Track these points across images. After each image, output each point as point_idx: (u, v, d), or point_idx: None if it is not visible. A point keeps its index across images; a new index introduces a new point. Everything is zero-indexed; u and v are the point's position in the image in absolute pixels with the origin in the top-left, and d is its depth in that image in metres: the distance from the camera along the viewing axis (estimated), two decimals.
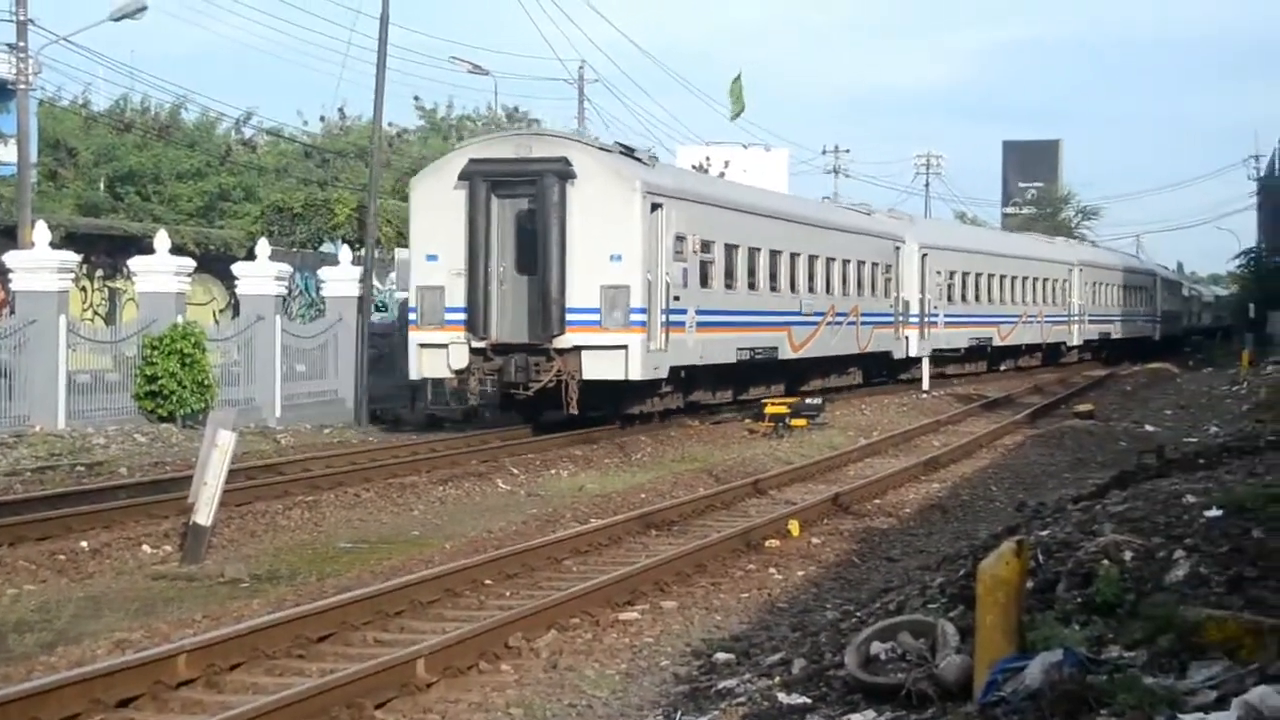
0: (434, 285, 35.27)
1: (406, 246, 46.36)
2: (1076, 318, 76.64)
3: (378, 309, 44.34)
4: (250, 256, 41.94)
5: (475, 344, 34.68)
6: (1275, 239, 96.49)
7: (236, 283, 41.18)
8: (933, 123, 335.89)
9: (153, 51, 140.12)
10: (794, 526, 22.14)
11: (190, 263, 39.01)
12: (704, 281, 38.75)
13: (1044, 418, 43.36)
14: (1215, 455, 23.02)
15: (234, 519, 22.68)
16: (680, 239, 37.03)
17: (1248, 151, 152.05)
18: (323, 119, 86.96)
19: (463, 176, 34.86)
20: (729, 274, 40.54)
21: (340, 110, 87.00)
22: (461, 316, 34.81)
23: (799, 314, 44.90)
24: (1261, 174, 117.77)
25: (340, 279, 42.90)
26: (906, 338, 55.08)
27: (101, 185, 71.60)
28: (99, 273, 49.41)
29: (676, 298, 36.43)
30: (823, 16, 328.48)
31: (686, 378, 38.36)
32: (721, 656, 14.23)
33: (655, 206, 35.53)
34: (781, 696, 11.50)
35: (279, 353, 39.49)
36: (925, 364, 54.70)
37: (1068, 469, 30.92)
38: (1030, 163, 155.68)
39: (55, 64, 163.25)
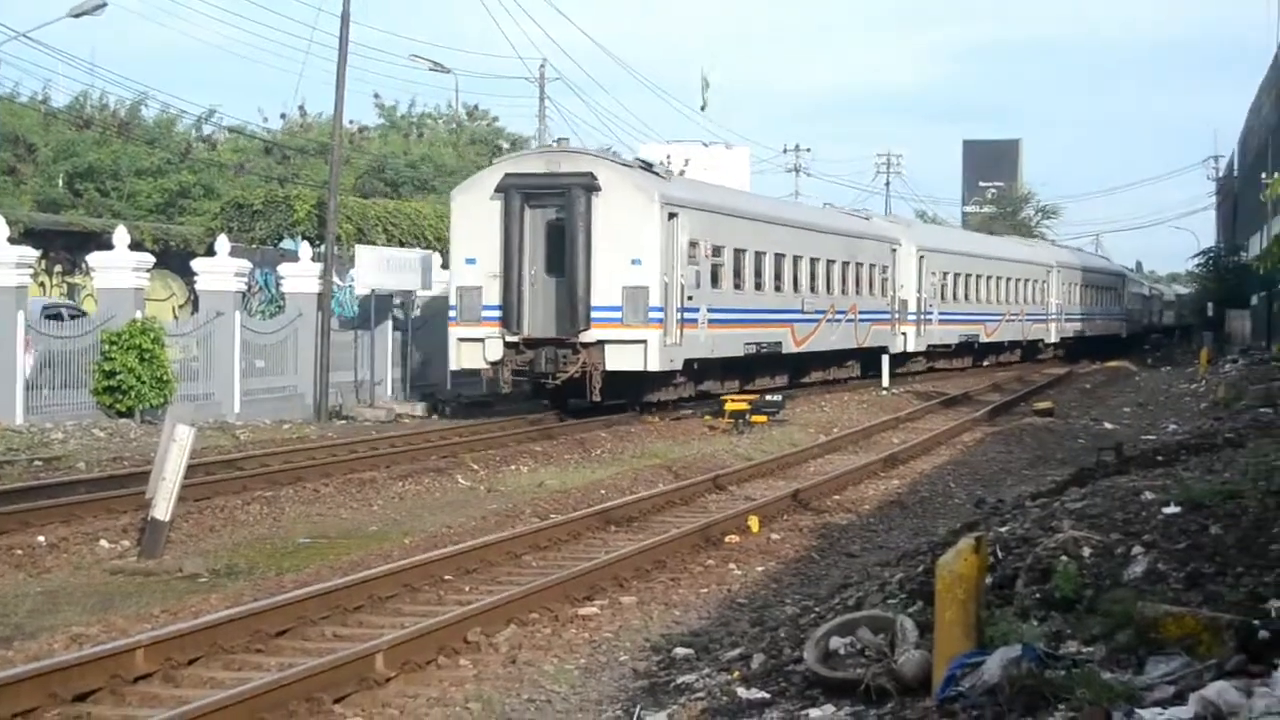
0: (472, 285, 38.56)
1: (366, 243, 46.47)
2: (1054, 316, 79.78)
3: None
4: (210, 253, 41.82)
5: (509, 338, 38.06)
6: (1233, 239, 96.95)
7: (196, 279, 41.07)
8: (893, 122, 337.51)
9: (112, 48, 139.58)
10: (753, 522, 22.14)
11: (149, 258, 38.90)
12: (715, 282, 42.23)
13: (1003, 415, 43.44)
14: (1173, 453, 23.15)
15: (192, 514, 22.60)
16: (694, 244, 40.42)
17: (1207, 152, 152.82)
18: (283, 116, 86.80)
19: (498, 189, 38.25)
20: (737, 275, 44.09)
21: (301, 108, 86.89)
22: (497, 314, 38.13)
23: (801, 312, 48.41)
24: (1220, 174, 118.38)
25: (300, 275, 42.83)
26: (904, 334, 58.82)
27: (60, 181, 71.33)
28: (58, 268, 49.25)
29: (690, 297, 39.88)
30: (784, 16, 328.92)
31: (698, 369, 41.81)
32: (680, 651, 14.23)
33: (671, 215, 39.01)
34: (741, 691, 11.51)
35: (238, 348, 39.40)
36: (885, 362, 54.87)
37: (1026, 466, 30.99)
38: (990, 162, 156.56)
39: (14, 60, 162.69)
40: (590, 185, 37.80)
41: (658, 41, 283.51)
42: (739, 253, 43.93)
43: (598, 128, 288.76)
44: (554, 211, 38.17)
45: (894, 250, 58.45)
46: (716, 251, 42.19)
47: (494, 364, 38.34)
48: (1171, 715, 8.42)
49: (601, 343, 37.66)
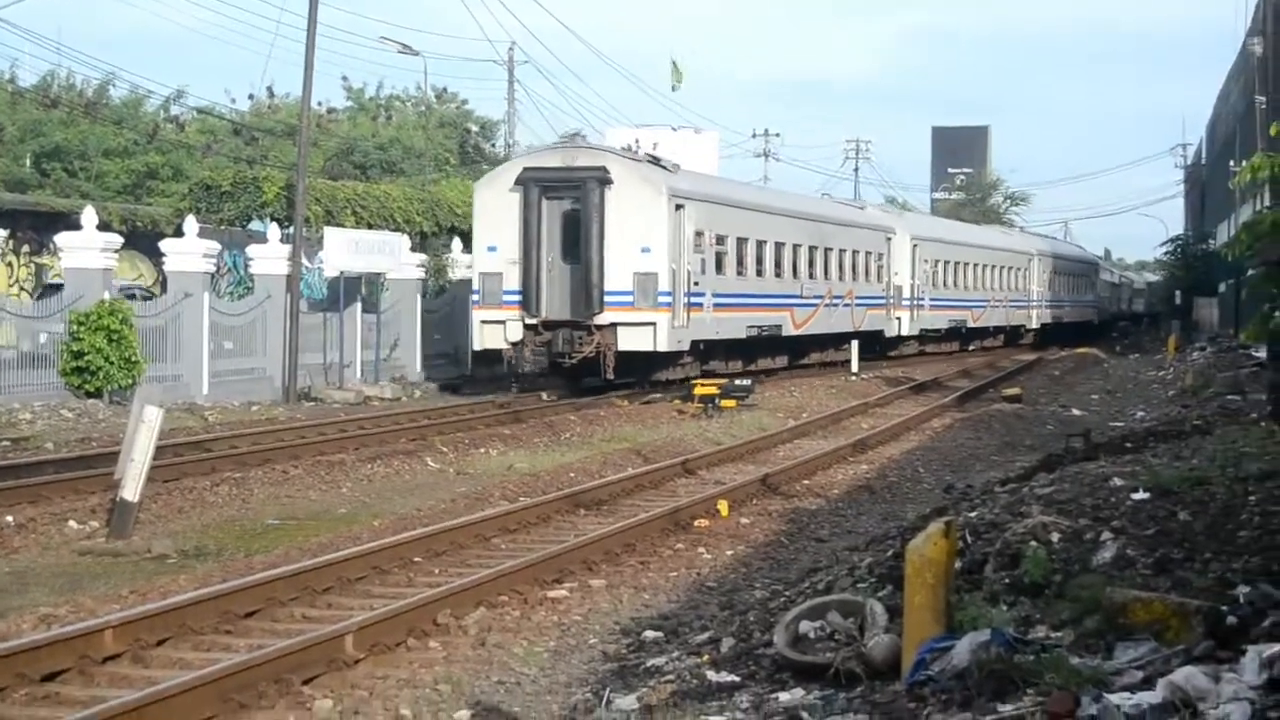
0: (494, 272, 41.13)
1: (335, 225, 46.41)
2: (1035, 303, 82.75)
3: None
4: (178, 234, 41.67)
5: (528, 321, 40.70)
6: (1202, 226, 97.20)
7: (164, 260, 40.91)
8: (862, 108, 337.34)
9: (80, 28, 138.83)
10: (723, 506, 22.16)
11: (117, 239, 38.74)
12: (719, 269, 44.88)
13: (972, 401, 43.50)
14: (1142, 439, 23.26)
15: (161, 495, 22.54)
16: (699, 233, 43.06)
17: (1175, 140, 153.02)
18: (251, 98, 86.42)
19: (518, 182, 40.89)
20: (740, 262, 46.78)
21: (269, 89, 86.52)
22: (517, 298, 40.71)
23: (800, 296, 51.36)
24: (1188, 162, 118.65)
25: (268, 257, 42.72)
26: (899, 319, 62.25)
27: (28, 161, 71.02)
28: (25, 248, 49.08)
29: (696, 283, 42.54)
30: (753, 2, 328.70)
31: (704, 350, 44.47)
32: (650, 635, 14.24)
33: (679, 206, 41.59)
34: (710, 674, 11.53)
35: (207, 330, 39.28)
36: (854, 346, 54.96)
37: (995, 452, 31.05)
38: (959, 149, 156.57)
39: None
40: (603, 178, 40.24)
41: (626, 25, 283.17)
42: (742, 241, 46.53)
43: (567, 111, 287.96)
44: (570, 203, 40.64)
45: (889, 239, 61.47)
46: (721, 240, 44.77)
47: (514, 344, 40.78)
48: (1140, 700, 8.45)
49: (614, 325, 40.19)
